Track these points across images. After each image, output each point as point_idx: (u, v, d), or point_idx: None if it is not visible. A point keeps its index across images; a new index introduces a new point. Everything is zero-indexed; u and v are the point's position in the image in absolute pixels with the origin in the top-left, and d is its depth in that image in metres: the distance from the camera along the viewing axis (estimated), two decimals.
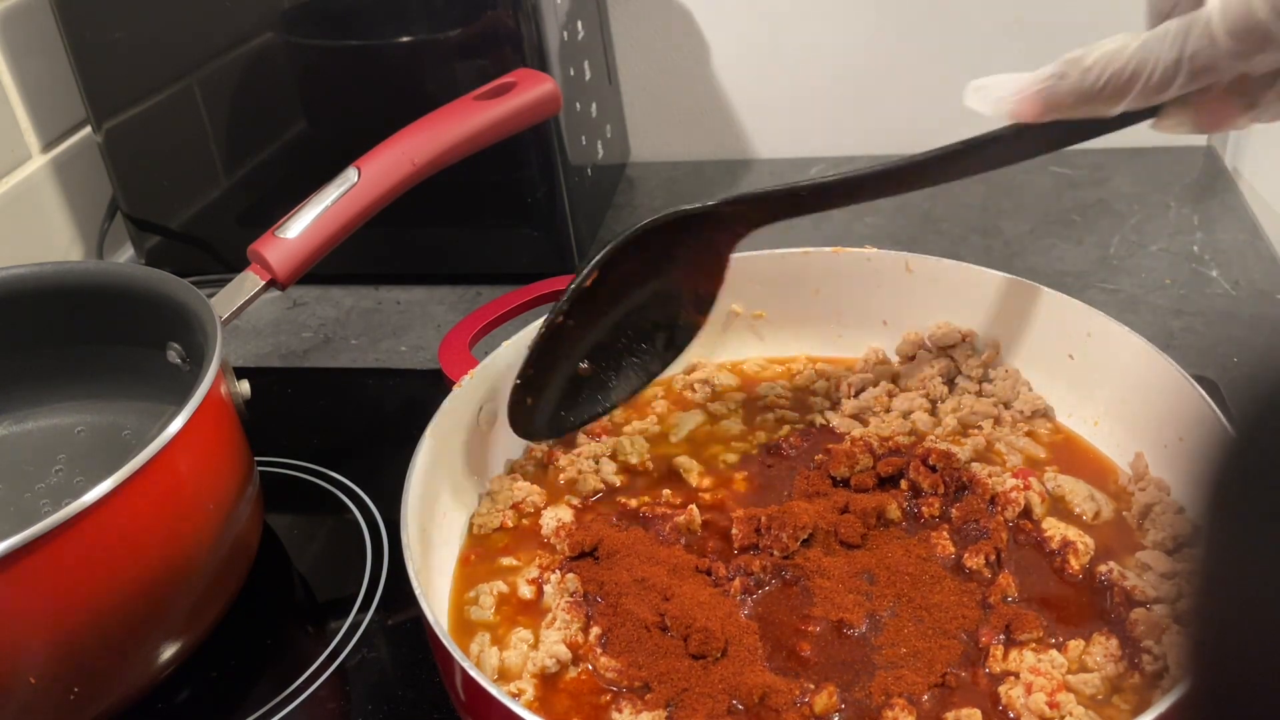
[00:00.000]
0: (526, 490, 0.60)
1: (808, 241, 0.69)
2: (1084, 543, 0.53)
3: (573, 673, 0.51)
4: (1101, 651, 0.48)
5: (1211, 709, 0.25)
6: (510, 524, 0.59)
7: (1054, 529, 0.55)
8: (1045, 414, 0.63)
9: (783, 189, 0.57)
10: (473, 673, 0.44)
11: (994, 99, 0.45)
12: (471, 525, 0.59)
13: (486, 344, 0.64)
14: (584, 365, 0.61)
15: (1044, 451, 0.60)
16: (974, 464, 0.59)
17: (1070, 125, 0.46)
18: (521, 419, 0.60)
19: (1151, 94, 0.40)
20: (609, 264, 0.58)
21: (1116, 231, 0.86)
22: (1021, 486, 0.56)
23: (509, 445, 0.64)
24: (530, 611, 0.55)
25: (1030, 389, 0.64)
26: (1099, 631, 0.49)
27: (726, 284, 0.67)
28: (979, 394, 0.64)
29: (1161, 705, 0.41)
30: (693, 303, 0.63)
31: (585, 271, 0.58)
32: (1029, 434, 0.61)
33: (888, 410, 0.64)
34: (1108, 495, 0.57)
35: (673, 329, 0.63)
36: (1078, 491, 0.57)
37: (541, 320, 0.59)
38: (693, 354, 0.68)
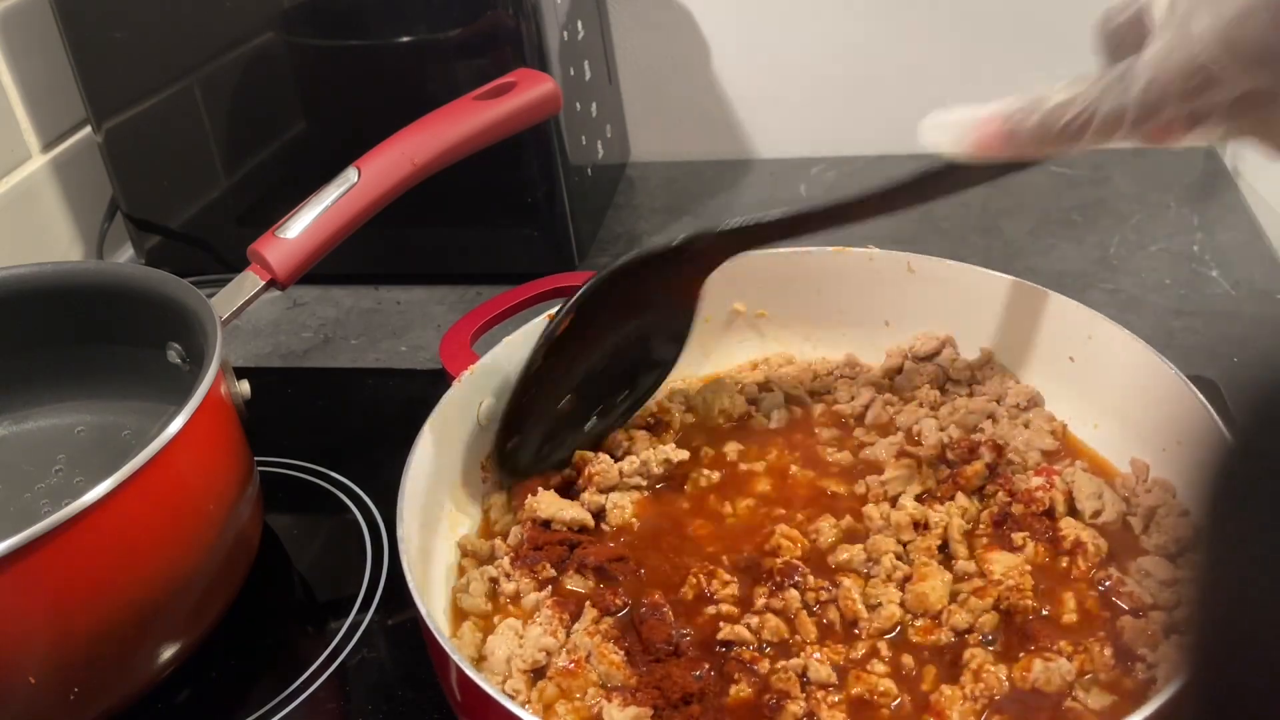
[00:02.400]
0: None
1: (809, 241, 0.69)
2: (1095, 545, 0.53)
3: (561, 661, 0.51)
4: (1098, 659, 0.48)
5: (1209, 709, 0.25)
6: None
7: (1070, 529, 0.54)
8: (1037, 402, 0.63)
9: (742, 223, 0.59)
10: (469, 672, 0.44)
11: (954, 136, 0.45)
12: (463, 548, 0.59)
13: (487, 341, 0.64)
14: (565, 402, 0.61)
15: (1051, 440, 0.60)
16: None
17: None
18: (506, 462, 0.61)
19: (1106, 134, 0.41)
20: (583, 307, 0.59)
21: (1116, 231, 0.86)
22: (1046, 486, 0.56)
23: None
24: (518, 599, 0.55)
25: (1017, 381, 0.64)
26: (1094, 638, 0.49)
27: (728, 283, 0.67)
28: (970, 394, 0.64)
29: (1156, 702, 0.41)
30: (668, 336, 0.63)
31: (559, 318, 0.59)
32: (1026, 425, 0.61)
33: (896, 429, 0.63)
34: (1117, 495, 0.57)
35: (651, 362, 0.64)
36: (1086, 488, 0.57)
37: (521, 365, 0.59)
38: (696, 352, 0.68)
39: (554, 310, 0.64)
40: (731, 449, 0.63)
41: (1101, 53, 0.42)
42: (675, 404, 0.66)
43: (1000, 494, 0.57)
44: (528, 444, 0.61)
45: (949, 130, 0.46)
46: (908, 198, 0.54)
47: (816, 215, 0.57)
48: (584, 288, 0.59)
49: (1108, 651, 0.48)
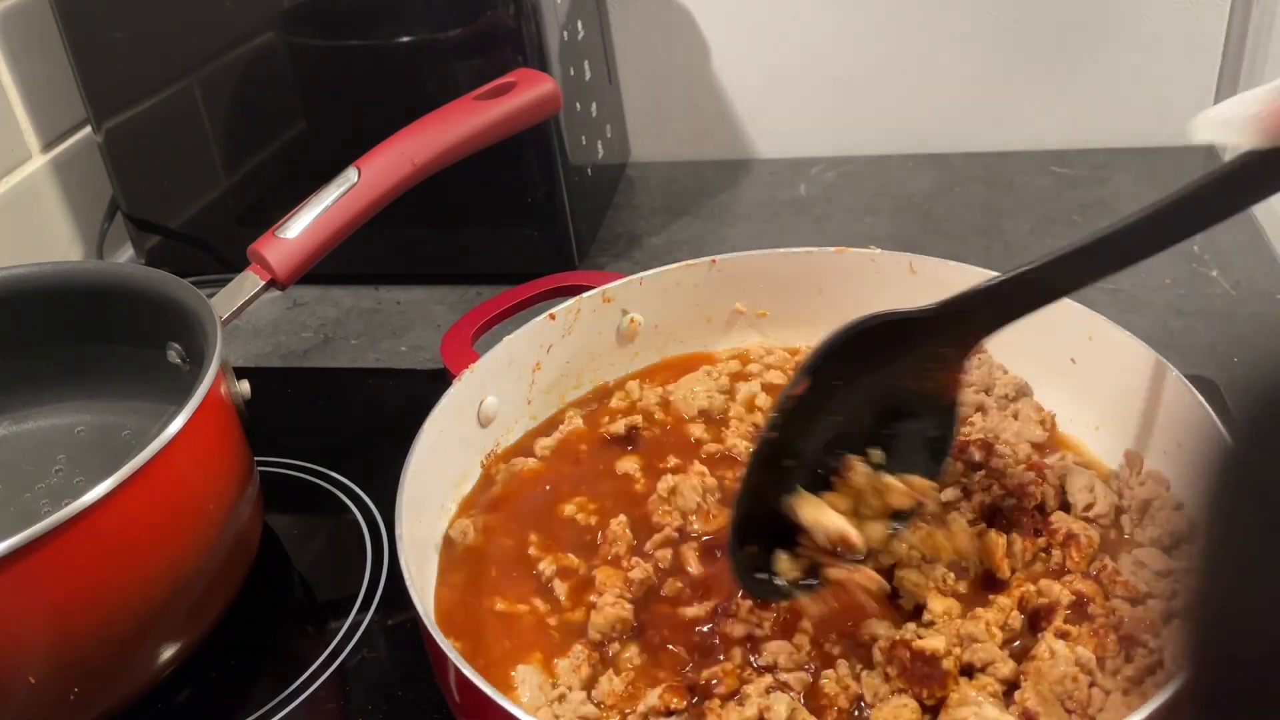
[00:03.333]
0: None
1: (809, 241, 0.69)
2: (1088, 536, 0.54)
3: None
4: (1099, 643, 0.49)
5: (1210, 707, 0.25)
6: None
7: (1061, 523, 0.54)
8: (1026, 392, 0.63)
9: (1008, 278, 0.50)
10: (467, 672, 0.44)
11: (1239, 122, 0.40)
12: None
13: (487, 341, 0.64)
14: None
15: (1040, 431, 0.60)
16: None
17: None
18: (744, 574, 0.51)
19: None
20: (818, 371, 0.51)
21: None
22: (1038, 481, 0.56)
23: (508, 440, 0.64)
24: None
25: (1005, 371, 0.64)
26: (1088, 625, 0.50)
27: (730, 283, 0.66)
28: None
29: (1159, 699, 0.41)
30: (932, 412, 0.53)
31: (795, 379, 0.51)
32: (1015, 415, 0.61)
33: None
34: (1109, 488, 0.57)
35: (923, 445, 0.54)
36: (1078, 481, 0.57)
37: (752, 446, 0.52)
38: (697, 352, 0.68)
39: (556, 310, 0.64)
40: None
41: None
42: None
43: (995, 486, 0.57)
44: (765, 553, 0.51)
45: (1231, 122, 0.40)
46: (1209, 211, 0.46)
47: (1097, 250, 0.48)
48: (821, 347, 0.51)
49: (1111, 639, 0.49)
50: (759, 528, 0.51)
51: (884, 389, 0.52)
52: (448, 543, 0.58)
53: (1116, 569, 0.52)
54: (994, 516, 0.56)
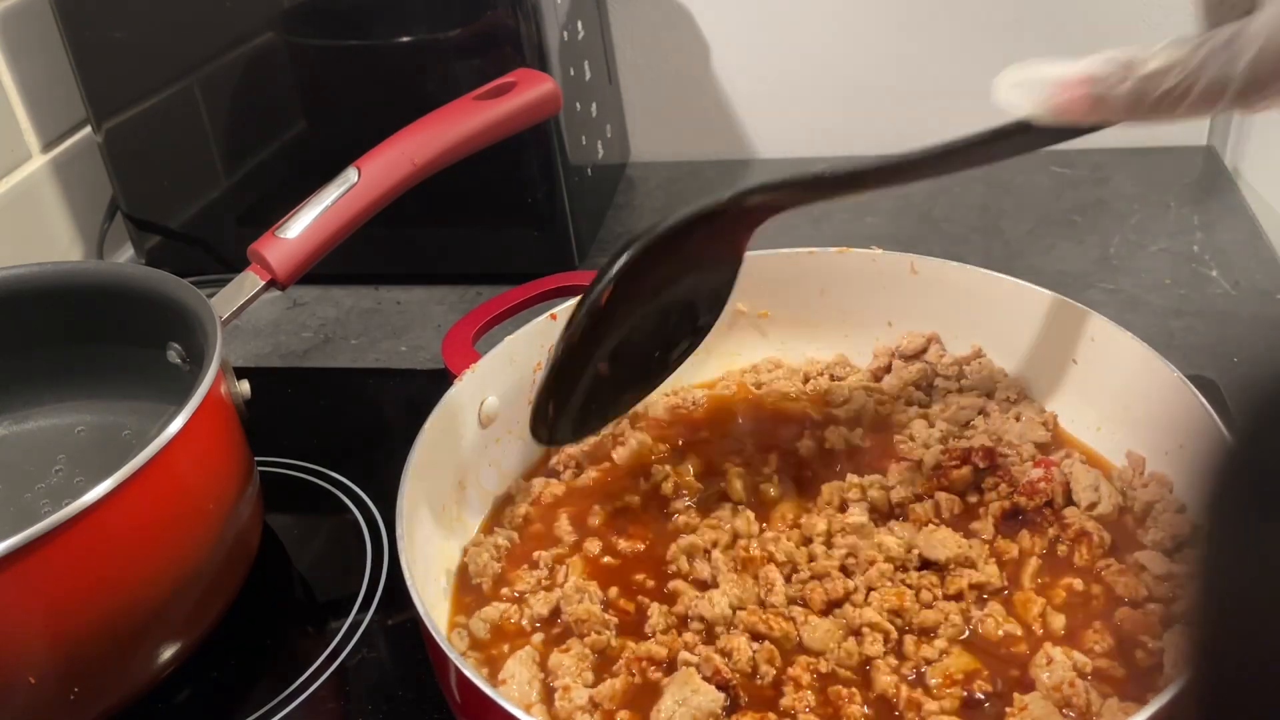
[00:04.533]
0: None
1: (809, 241, 0.69)
2: (1100, 536, 0.54)
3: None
4: (1098, 645, 0.49)
5: (1211, 708, 0.25)
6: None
7: (1075, 518, 0.55)
8: (1027, 394, 0.63)
9: (794, 177, 0.56)
10: (468, 673, 0.44)
11: (1037, 96, 0.41)
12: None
13: (488, 341, 0.64)
14: (602, 366, 0.59)
15: (1043, 431, 0.60)
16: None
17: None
18: (544, 428, 0.59)
19: (1205, 106, 0.37)
20: (623, 276, 0.56)
21: (1116, 231, 0.86)
22: (1047, 477, 0.56)
23: (509, 441, 0.64)
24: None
25: (1006, 374, 0.64)
26: (1091, 629, 0.50)
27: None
28: (959, 390, 0.64)
29: (1160, 700, 0.41)
30: (708, 299, 0.61)
31: (599, 289, 0.56)
32: (1018, 418, 0.61)
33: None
34: (1113, 488, 0.57)
35: (690, 326, 0.62)
36: (1083, 480, 0.57)
37: (559, 334, 0.57)
38: (699, 353, 0.68)
39: (557, 310, 0.64)
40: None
41: (1201, 14, 0.39)
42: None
43: (1002, 485, 0.57)
44: (567, 412, 0.59)
45: (1030, 89, 0.41)
46: (972, 156, 0.50)
47: (871, 172, 0.54)
48: (626, 255, 0.56)
49: (1108, 640, 0.49)
50: (558, 397, 0.58)
51: (680, 285, 0.59)
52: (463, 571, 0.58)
53: (1121, 568, 0.52)
54: (1012, 518, 0.56)
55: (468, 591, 0.57)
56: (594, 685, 0.50)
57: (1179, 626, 0.48)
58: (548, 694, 0.50)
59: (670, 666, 0.50)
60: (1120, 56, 0.39)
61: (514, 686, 0.50)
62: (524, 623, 0.54)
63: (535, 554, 0.58)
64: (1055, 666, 0.48)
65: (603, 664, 0.51)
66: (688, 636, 0.52)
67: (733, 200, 0.57)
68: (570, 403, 0.59)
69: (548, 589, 0.56)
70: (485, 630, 0.54)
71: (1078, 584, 0.52)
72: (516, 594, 0.56)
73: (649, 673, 0.50)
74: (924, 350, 0.67)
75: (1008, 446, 0.59)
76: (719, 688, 0.48)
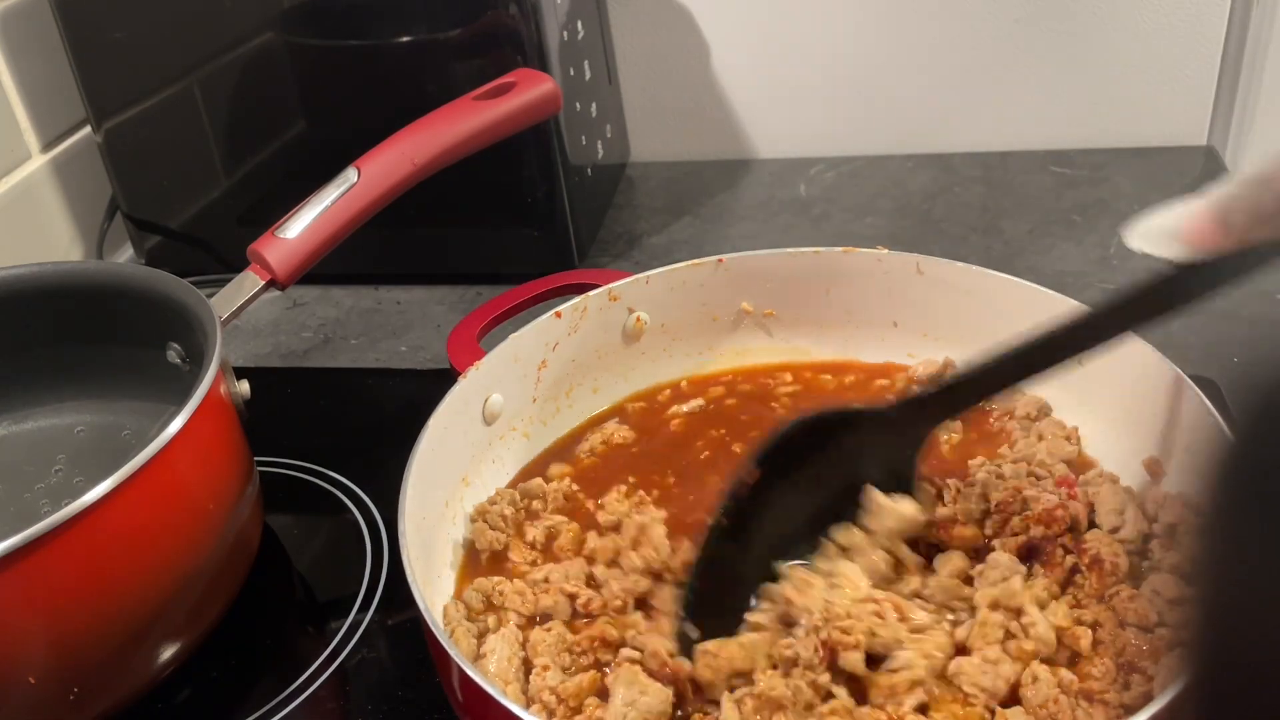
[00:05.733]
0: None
1: (810, 241, 0.69)
2: (1114, 563, 0.51)
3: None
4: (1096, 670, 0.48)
5: (1211, 709, 0.25)
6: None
7: (1094, 542, 0.52)
8: (1046, 411, 0.63)
9: (959, 377, 0.53)
10: (470, 672, 0.44)
11: (1165, 234, 0.43)
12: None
13: (493, 338, 0.64)
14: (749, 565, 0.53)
15: (1069, 446, 0.59)
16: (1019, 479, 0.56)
17: (1238, 259, 0.43)
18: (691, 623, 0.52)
19: None
20: (767, 461, 0.53)
21: (1116, 231, 0.86)
22: (1066, 497, 0.54)
23: (513, 438, 0.64)
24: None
25: (1022, 391, 0.63)
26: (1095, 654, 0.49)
27: (737, 282, 0.66)
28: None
29: (1161, 701, 0.41)
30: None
31: (744, 473, 0.53)
32: (1040, 436, 0.61)
33: None
34: (1142, 514, 0.54)
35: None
36: (1109, 502, 0.55)
37: (703, 535, 0.53)
38: (701, 350, 0.68)
39: (561, 308, 0.64)
40: None
41: None
42: None
43: (1015, 521, 0.54)
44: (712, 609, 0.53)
45: (1158, 234, 0.43)
46: (1147, 312, 0.48)
47: (1036, 350, 0.51)
48: (773, 437, 0.53)
49: (1107, 663, 0.48)
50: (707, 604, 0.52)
51: (838, 479, 0.54)
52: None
53: (1133, 594, 0.50)
54: (1029, 555, 0.53)
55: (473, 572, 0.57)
56: (570, 668, 0.50)
57: (1178, 651, 0.47)
58: (526, 672, 0.50)
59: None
60: (1236, 181, 0.41)
61: (492, 661, 0.50)
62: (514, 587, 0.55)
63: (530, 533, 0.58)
64: (1040, 685, 0.47)
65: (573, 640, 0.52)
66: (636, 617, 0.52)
67: (882, 411, 0.54)
68: (718, 603, 0.53)
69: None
70: (479, 600, 0.54)
71: (1086, 616, 0.50)
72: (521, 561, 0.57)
73: (600, 653, 0.50)
74: (941, 375, 0.65)
75: (1040, 467, 0.57)
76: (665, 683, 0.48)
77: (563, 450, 0.65)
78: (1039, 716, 0.46)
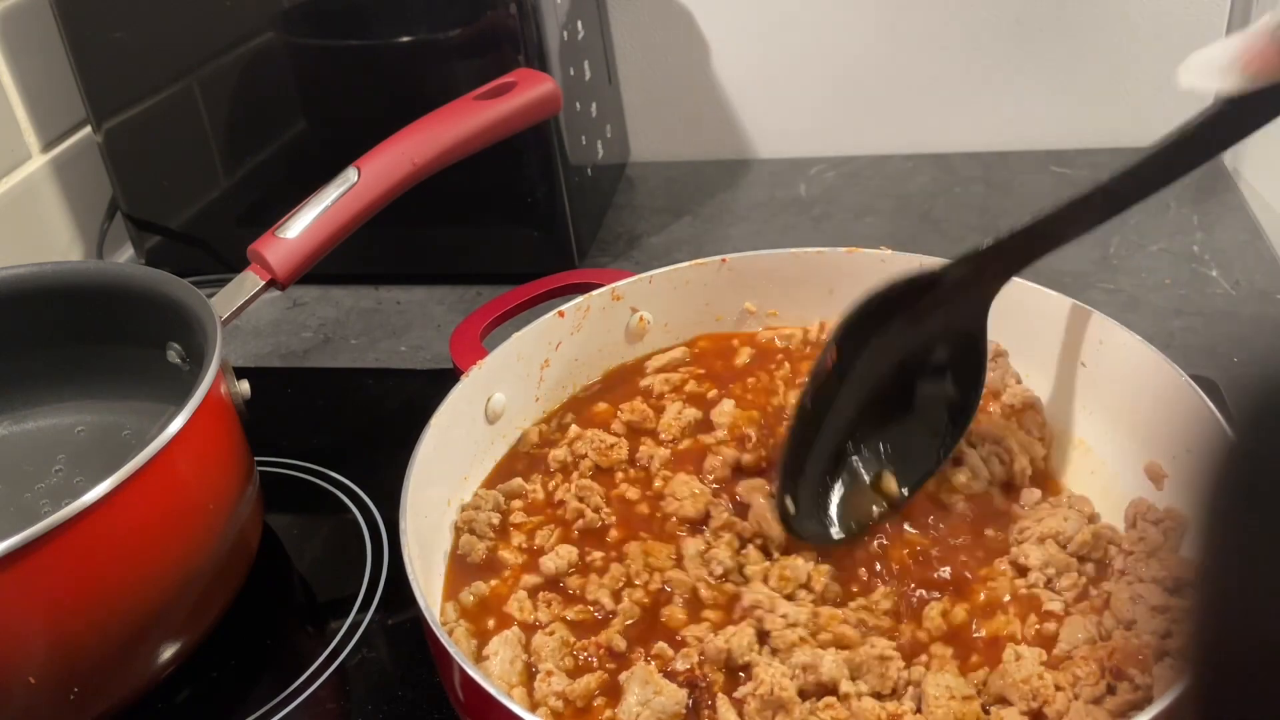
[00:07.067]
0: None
1: (810, 242, 0.69)
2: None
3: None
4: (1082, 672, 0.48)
5: (1210, 709, 0.25)
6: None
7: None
8: (1034, 407, 0.62)
9: (1016, 231, 0.52)
10: (472, 672, 0.44)
11: (1221, 66, 0.41)
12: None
13: (495, 338, 0.64)
14: (844, 453, 0.55)
15: (1040, 448, 0.60)
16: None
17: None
18: (792, 525, 0.55)
19: None
20: (843, 340, 0.54)
21: (1116, 231, 0.86)
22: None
23: (515, 437, 0.64)
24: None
25: (1019, 381, 0.63)
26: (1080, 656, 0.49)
27: (740, 282, 0.66)
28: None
29: (1161, 703, 0.41)
30: (959, 378, 0.57)
31: (823, 354, 0.54)
32: (1020, 425, 0.61)
33: None
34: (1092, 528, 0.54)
35: (947, 411, 0.57)
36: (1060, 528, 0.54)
37: (789, 414, 0.55)
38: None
39: (564, 308, 0.64)
40: None
41: None
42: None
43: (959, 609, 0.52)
44: (805, 505, 0.55)
45: (1214, 67, 0.41)
46: (1191, 156, 0.47)
47: (1092, 200, 0.50)
48: (845, 316, 0.54)
49: (1092, 667, 0.48)
50: (796, 485, 0.55)
51: (910, 350, 0.56)
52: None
53: (1110, 596, 0.51)
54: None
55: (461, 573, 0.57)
56: (573, 670, 0.50)
57: (1169, 662, 0.47)
58: (529, 676, 0.50)
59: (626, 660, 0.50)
60: None
61: (494, 663, 0.50)
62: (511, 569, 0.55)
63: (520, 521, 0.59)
64: (1024, 663, 0.47)
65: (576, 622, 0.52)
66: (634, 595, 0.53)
67: (943, 271, 0.54)
68: (813, 498, 0.55)
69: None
70: (472, 601, 0.54)
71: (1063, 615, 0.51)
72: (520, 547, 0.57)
73: (605, 663, 0.50)
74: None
75: (1004, 451, 0.58)
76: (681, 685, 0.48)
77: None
78: (1020, 691, 0.46)
